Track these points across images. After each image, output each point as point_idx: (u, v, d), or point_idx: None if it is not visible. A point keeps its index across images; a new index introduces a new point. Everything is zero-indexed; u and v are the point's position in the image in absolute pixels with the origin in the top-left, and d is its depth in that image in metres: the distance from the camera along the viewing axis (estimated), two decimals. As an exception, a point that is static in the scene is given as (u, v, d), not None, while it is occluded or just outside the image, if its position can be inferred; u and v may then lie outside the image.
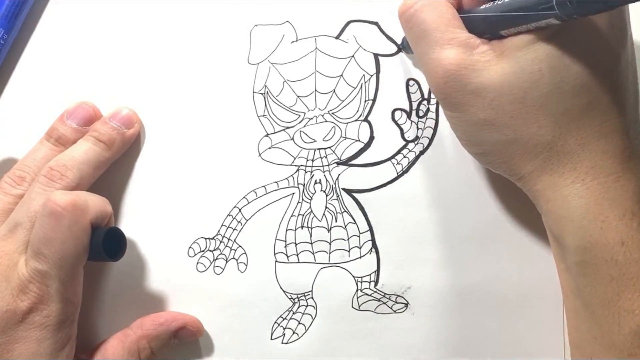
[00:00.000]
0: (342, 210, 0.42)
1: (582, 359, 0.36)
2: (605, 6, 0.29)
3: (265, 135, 0.42)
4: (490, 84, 0.33)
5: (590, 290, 0.34)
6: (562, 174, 0.34)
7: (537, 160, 0.34)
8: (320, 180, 0.42)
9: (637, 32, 0.36)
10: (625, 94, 0.34)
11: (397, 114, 0.42)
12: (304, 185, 0.42)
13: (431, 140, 0.42)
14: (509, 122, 0.33)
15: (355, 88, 0.42)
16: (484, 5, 0.35)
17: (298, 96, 0.42)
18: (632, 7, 0.33)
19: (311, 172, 0.42)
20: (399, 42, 0.42)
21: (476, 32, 0.35)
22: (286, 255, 0.42)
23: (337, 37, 0.42)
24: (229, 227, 0.42)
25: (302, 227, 0.42)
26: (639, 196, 0.33)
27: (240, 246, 0.42)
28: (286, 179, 0.42)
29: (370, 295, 0.42)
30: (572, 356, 0.37)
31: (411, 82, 0.42)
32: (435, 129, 0.42)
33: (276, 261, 0.42)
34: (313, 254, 0.42)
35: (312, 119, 0.42)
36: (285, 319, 0.42)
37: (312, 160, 0.43)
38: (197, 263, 0.42)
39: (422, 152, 0.42)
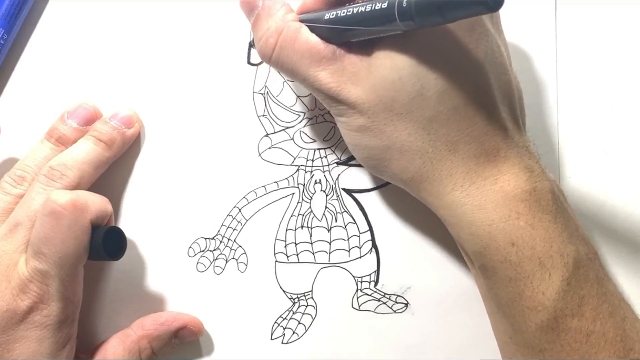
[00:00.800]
0: (342, 210, 0.42)
1: (506, 359, 0.37)
2: (445, 20, 0.29)
3: (265, 135, 0.43)
4: (363, 95, 0.34)
5: (496, 292, 0.35)
6: (441, 181, 0.34)
7: (413, 166, 0.35)
8: (320, 180, 0.42)
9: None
10: (494, 95, 0.34)
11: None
12: (304, 185, 0.42)
13: (431, 140, 0.42)
14: (383, 128, 0.34)
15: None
16: (327, 14, 0.35)
17: (298, 96, 0.42)
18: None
19: (311, 172, 0.43)
20: None
21: (330, 40, 0.35)
22: (286, 255, 0.42)
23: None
24: (229, 227, 0.42)
25: (302, 227, 0.42)
26: (523, 196, 0.33)
27: (240, 246, 0.42)
28: (286, 179, 0.42)
29: (370, 295, 0.42)
30: (501, 357, 0.38)
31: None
32: (435, 129, 0.42)
33: (276, 261, 0.42)
34: (313, 254, 0.42)
35: (312, 119, 0.42)
36: (285, 319, 0.42)
37: (312, 160, 0.43)
38: (197, 263, 0.42)
39: (422, 152, 0.42)
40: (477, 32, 0.34)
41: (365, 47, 0.35)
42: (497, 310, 0.36)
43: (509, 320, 0.35)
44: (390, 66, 0.33)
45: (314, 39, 0.35)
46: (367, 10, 0.32)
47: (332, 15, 0.34)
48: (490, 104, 0.34)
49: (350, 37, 0.34)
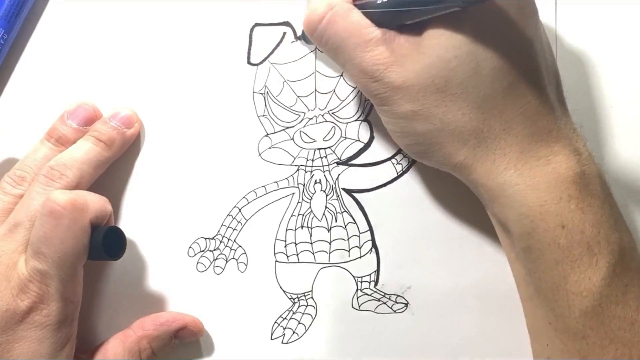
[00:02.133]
0: (342, 210, 0.42)
1: (539, 345, 0.36)
2: None
3: (265, 135, 0.43)
4: (413, 77, 0.34)
5: (539, 275, 0.34)
6: (494, 161, 0.34)
7: (466, 148, 0.34)
8: (320, 180, 0.42)
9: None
10: (544, 75, 0.34)
11: (397, 113, 0.42)
12: (304, 185, 0.42)
13: (431, 140, 0.42)
14: (434, 111, 0.34)
15: (355, 88, 0.42)
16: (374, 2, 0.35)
17: (298, 96, 0.42)
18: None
19: (311, 172, 0.42)
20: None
21: (382, 24, 0.35)
22: (286, 255, 0.42)
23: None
24: (229, 227, 0.42)
25: (302, 227, 0.42)
26: (575, 179, 0.33)
27: (240, 246, 0.42)
28: (286, 178, 0.42)
29: (370, 295, 0.42)
30: (531, 344, 0.37)
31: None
32: (435, 129, 0.42)
33: (276, 261, 0.42)
34: (313, 254, 0.42)
35: (312, 119, 0.42)
36: (285, 319, 0.42)
37: (312, 160, 0.43)
38: (197, 263, 0.42)
39: (422, 152, 0.42)
40: (527, 10, 0.34)
41: (415, 30, 0.34)
42: (536, 295, 0.35)
43: (550, 305, 0.34)
44: (445, 46, 0.33)
45: (364, 20, 0.35)
46: None
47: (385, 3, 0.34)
48: (541, 82, 0.34)
49: (403, 19, 0.34)
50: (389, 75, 0.34)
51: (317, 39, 0.36)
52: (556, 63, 0.36)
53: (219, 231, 0.42)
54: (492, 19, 0.33)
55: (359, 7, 0.36)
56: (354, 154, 0.42)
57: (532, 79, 0.34)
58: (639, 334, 0.33)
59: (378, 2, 0.35)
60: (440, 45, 0.33)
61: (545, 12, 0.42)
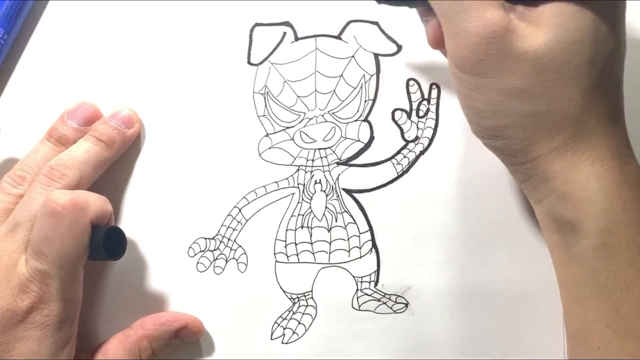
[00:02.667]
0: (342, 210, 0.42)
1: (587, 348, 0.35)
2: None
3: (265, 135, 0.43)
4: (533, 51, 0.31)
5: (608, 274, 0.33)
6: (583, 153, 0.33)
7: (561, 136, 0.33)
8: (320, 180, 0.42)
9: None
10: (622, 84, 0.35)
11: (397, 114, 0.42)
12: (304, 185, 0.42)
13: (431, 140, 0.42)
14: (544, 91, 0.32)
15: (355, 88, 0.42)
16: None
17: (298, 96, 0.42)
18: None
19: (311, 172, 0.43)
20: (399, 41, 0.42)
21: None
22: (286, 255, 0.42)
23: (337, 37, 0.42)
24: (229, 227, 0.42)
25: (302, 227, 0.42)
26: None
27: (240, 246, 0.42)
28: (286, 179, 0.42)
29: (370, 295, 0.42)
30: (570, 349, 0.36)
31: (411, 82, 0.42)
32: (435, 129, 0.42)
33: (276, 261, 0.42)
34: (313, 254, 0.42)
35: (312, 119, 0.42)
36: (285, 319, 0.42)
37: (312, 160, 0.43)
38: (197, 263, 0.42)
39: (422, 152, 0.42)
40: (622, 12, 0.33)
41: (531, 5, 0.32)
42: (594, 296, 0.34)
43: (615, 305, 0.33)
44: (572, 27, 0.31)
45: None
46: None
47: None
48: (621, 90, 0.34)
49: None
50: (508, 40, 0.31)
51: None
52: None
53: (219, 231, 0.42)
54: (612, 10, 0.32)
55: None
56: (354, 154, 0.42)
57: (619, 83, 0.34)
58: None
59: None
60: (566, 25, 0.32)
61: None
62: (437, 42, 0.36)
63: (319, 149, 0.42)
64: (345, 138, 0.42)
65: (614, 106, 0.34)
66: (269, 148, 0.42)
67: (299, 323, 0.42)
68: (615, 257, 0.33)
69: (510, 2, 0.32)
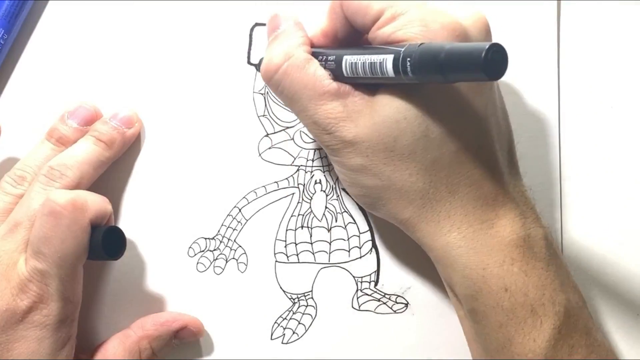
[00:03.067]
0: (342, 210, 0.42)
1: None
2: (446, 81, 0.30)
3: (265, 135, 0.42)
4: (363, 134, 0.34)
5: (485, 337, 0.35)
6: (438, 222, 0.34)
7: (412, 206, 0.35)
8: (320, 180, 0.42)
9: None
10: (494, 140, 0.35)
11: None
12: (304, 185, 0.42)
13: (431, 140, 0.42)
14: (382, 168, 0.34)
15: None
16: (332, 50, 0.36)
17: (298, 96, 0.42)
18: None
19: (311, 172, 0.42)
20: None
21: (337, 76, 0.35)
22: (286, 255, 0.42)
23: (337, 37, 0.42)
24: (229, 227, 0.42)
25: (302, 227, 0.42)
26: (518, 242, 0.34)
27: (240, 246, 0.42)
28: (286, 179, 0.42)
29: (370, 295, 0.42)
30: None
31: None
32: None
33: (276, 261, 0.42)
34: (313, 254, 0.42)
35: (312, 119, 0.42)
36: (285, 319, 0.42)
37: (312, 160, 0.43)
38: (197, 263, 0.42)
39: (422, 152, 0.42)
40: (480, 86, 0.34)
41: (369, 88, 0.35)
42: (484, 355, 0.36)
43: None
44: (396, 106, 0.33)
45: (320, 72, 0.35)
46: (372, 62, 0.33)
47: (342, 58, 0.35)
48: (490, 149, 0.35)
49: (358, 79, 0.35)
50: (341, 129, 0.34)
51: (273, 87, 0.36)
52: (510, 127, 0.37)
53: (219, 231, 0.42)
54: (443, 91, 0.34)
55: (318, 53, 0.36)
56: (354, 154, 0.42)
57: (481, 145, 0.34)
58: None
59: (333, 57, 0.35)
60: (392, 106, 0.33)
61: (548, 12, 0.42)
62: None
63: (319, 149, 0.42)
64: (345, 138, 0.42)
65: (474, 171, 0.34)
66: (269, 148, 0.42)
67: (299, 323, 0.42)
68: (484, 322, 0.34)
69: (352, 84, 0.35)
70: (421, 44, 0.31)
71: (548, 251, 0.35)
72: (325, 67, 0.36)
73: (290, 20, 0.37)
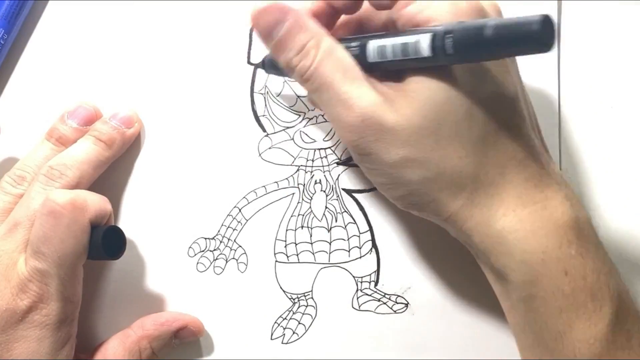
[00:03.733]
0: (342, 210, 0.42)
1: None
2: (492, 58, 0.29)
3: (265, 135, 0.43)
4: (404, 120, 0.32)
5: (541, 325, 0.33)
6: (491, 206, 0.33)
7: (464, 193, 0.33)
8: (320, 180, 0.42)
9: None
10: (528, 122, 0.34)
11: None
12: (304, 185, 0.42)
13: (431, 140, 0.42)
14: (429, 156, 0.33)
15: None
16: (354, 42, 0.34)
17: (298, 96, 0.42)
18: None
19: (311, 172, 0.42)
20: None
21: (360, 65, 0.34)
22: (286, 255, 0.42)
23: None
24: (229, 227, 0.42)
25: (302, 227, 0.42)
26: (571, 224, 0.33)
27: (240, 246, 0.42)
28: (286, 179, 0.42)
29: (370, 295, 0.42)
30: None
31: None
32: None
33: (276, 261, 0.42)
34: (313, 254, 0.42)
35: (312, 119, 0.42)
36: (285, 319, 0.42)
37: (312, 160, 0.43)
38: (197, 263, 0.42)
39: (422, 152, 0.42)
40: (507, 64, 0.34)
41: (394, 78, 0.34)
42: (537, 344, 0.34)
43: (554, 354, 0.33)
44: (435, 87, 0.32)
45: (349, 58, 0.34)
46: (405, 42, 0.32)
47: (370, 41, 0.33)
48: (527, 130, 0.34)
49: (383, 65, 0.33)
50: (380, 116, 0.32)
51: (304, 80, 0.34)
52: (535, 114, 0.36)
53: (219, 231, 0.42)
54: (475, 70, 0.33)
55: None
56: (354, 154, 0.42)
57: (519, 125, 0.33)
58: None
59: (353, 44, 0.34)
60: (430, 88, 0.32)
61: (548, 12, 0.42)
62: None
63: (319, 149, 0.42)
64: (345, 138, 0.42)
65: (518, 151, 0.33)
66: (269, 148, 0.42)
67: (299, 323, 0.42)
68: (542, 309, 0.33)
69: (379, 79, 0.34)
70: (460, 22, 0.30)
71: (595, 235, 0.34)
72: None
73: (296, 11, 0.35)
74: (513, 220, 0.32)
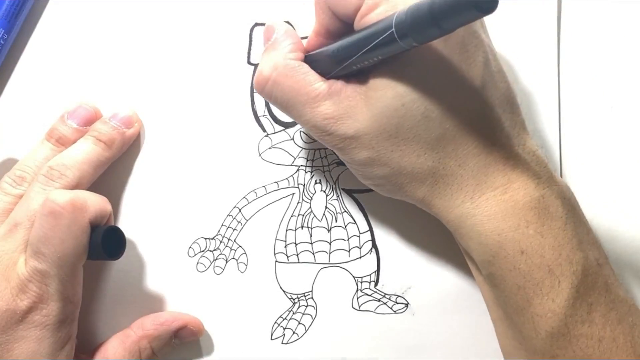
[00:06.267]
0: (342, 210, 0.42)
1: None
2: (442, 31, 0.28)
3: (265, 135, 0.43)
4: (364, 127, 0.34)
5: (504, 299, 0.35)
6: (451, 195, 0.35)
7: (424, 186, 0.35)
8: (320, 180, 0.42)
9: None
10: (495, 105, 0.34)
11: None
12: (304, 186, 0.42)
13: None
14: (390, 156, 0.34)
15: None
16: (331, 47, 0.35)
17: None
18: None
19: (311, 172, 0.42)
20: None
21: (327, 73, 0.35)
22: (286, 255, 0.42)
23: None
24: (229, 227, 0.42)
25: (302, 227, 0.42)
26: (533, 204, 0.34)
27: (240, 246, 0.42)
28: (286, 179, 0.42)
29: (370, 295, 0.42)
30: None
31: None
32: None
33: (276, 261, 0.42)
34: (313, 254, 0.42)
35: (312, 118, 0.42)
36: (285, 319, 0.42)
37: (312, 161, 0.43)
38: (197, 263, 0.42)
39: (422, 152, 0.42)
40: (472, 44, 0.34)
41: (360, 80, 0.35)
42: (504, 317, 0.36)
43: (517, 327, 0.35)
44: (391, 95, 0.33)
45: (310, 77, 0.35)
46: (365, 34, 0.32)
47: (335, 46, 0.34)
48: (494, 115, 0.34)
49: (352, 64, 0.34)
50: (340, 127, 0.35)
51: (267, 97, 0.37)
52: (510, 85, 0.36)
53: (219, 231, 0.42)
54: (435, 62, 0.33)
55: (311, 56, 0.36)
56: (354, 154, 0.42)
57: (484, 114, 0.34)
58: (607, 351, 0.33)
59: (328, 50, 0.35)
60: (387, 95, 0.33)
61: (548, 12, 0.42)
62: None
63: (319, 149, 0.42)
64: (345, 138, 0.42)
65: (480, 140, 0.34)
66: (269, 148, 0.42)
67: (299, 323, 0.42)
68: (503, 285, 0.35)
69: (342, 79, 0.35)
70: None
71: (565, 209, 0.34)
72: (317, 67, 0.36)
73: (281, 29, 0.37)
74: (470, 207, 0.34)
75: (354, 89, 0.35)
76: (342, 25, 0.36)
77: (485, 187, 0.34)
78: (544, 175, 0.35)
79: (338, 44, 0.34)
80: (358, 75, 0.35)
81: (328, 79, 0.35)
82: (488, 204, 0.34)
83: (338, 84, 0.35)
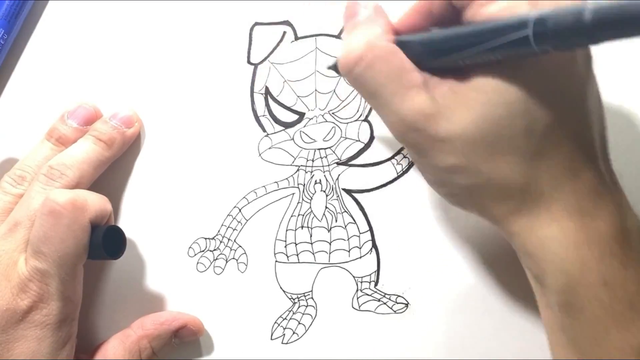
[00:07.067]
0: (342, 210, 0.42)
1: None
2: (590, 42, 0.26)
3: (265, 135, 0.43)
4: (460, 130, 0.31)
5: (577, 330, 0.33)
6: (538, 215, 0.32)
7: (510, 202, 0.32)
8: (320, 180, 0.42)
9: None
10: (592, 128, 0.33)
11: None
12: (304, 186, 0.42)
13: (431, 140, 0.42)
14: (481, 166, 0.31)
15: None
16: (424, 33, 0.32)
17: (298, 96, 0.42)
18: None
19: (311, 172, 0.42)
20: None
21: (419, 62, 0.32)
22: (286, 255, 0.42)
23: (337, 37, 0.42)
24: (229, 227, 0.42)
25: (302, 227, 0.42)
26: (617, 235, 0.32)
27: (240, 246, 0.42)
28: (286, 179, 0.42)
29: (370, 295, 0.42)
30: None
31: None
32: (435, 129, 0.42)
33: (276, 261, 0.42)
34: (313, 254, 0.42)
35: (312, 119, 0.42)
36: (285, 319, 0.42)
37: (312, 161, 0.43)
38: (197, 263, 0.42)
39: (422, 152, 0.42)
40: (585, 64, 0.31)
41: (457, 76, 0.32)
42: (571, 345, 0.34)
43: (585, 356, 0.33)
44: (498, 101, 0.30)
45: (407, 64, 0.32)
46: (488, 28, 0.29)
47: (441, 34, 0.31)
48: (589, 136, 0.32)
49: (459, 59, 0.31)
50: (431, 126, 0.31)
51: (353, 80, 0.33)
52: (603, 113, 0.34)
53: (219, 231, 0.42)
54: (547, 72, 0.30)
55: (401, 40, 0.33)
56: (354, 154, 0.42)
57: (582, 135, 0.32)
58: None
59: (428, 35, 0.32)
60: (491, 101, 0.30)
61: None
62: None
63: (319, 149, 0.42)
64: (345, 138, 0.42)
65: (575, 162, 0.32)
66: (269, 148, 0.42)
67: (299, 323, 0.42)
68: (579, 314, 0.32)
69: (438, 74, 0.32)
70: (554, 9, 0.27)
71: None
72: (406, 53, 0.32)
73: (370, 6, 0.34)
74: (556, 231, 0.32)
75: (451, 88, 0.31)
76: (449, 10, 0.33)
77: (574, 211, 0.32)
78: (625, 205, 0.33)
79: (444, 33, 0.31)
80: (454, 71, 0.32)
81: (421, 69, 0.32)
82: (575, 230, 0.32)
83: (434, 79, 0.32)
